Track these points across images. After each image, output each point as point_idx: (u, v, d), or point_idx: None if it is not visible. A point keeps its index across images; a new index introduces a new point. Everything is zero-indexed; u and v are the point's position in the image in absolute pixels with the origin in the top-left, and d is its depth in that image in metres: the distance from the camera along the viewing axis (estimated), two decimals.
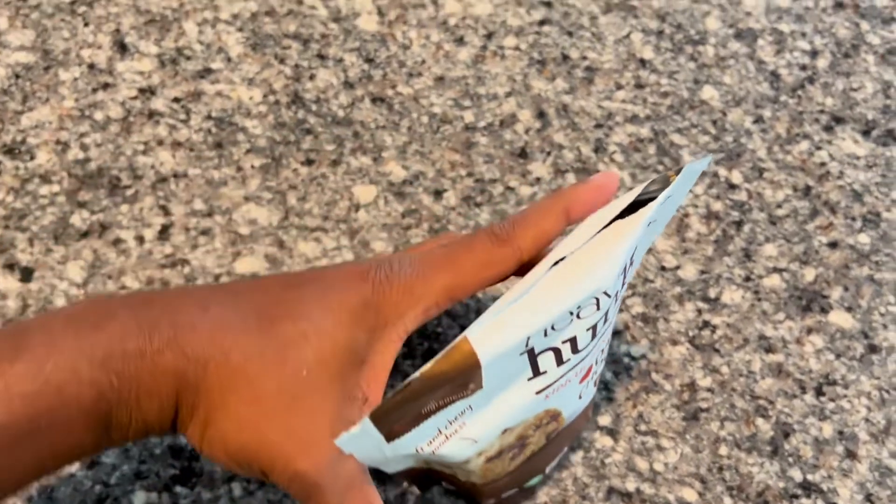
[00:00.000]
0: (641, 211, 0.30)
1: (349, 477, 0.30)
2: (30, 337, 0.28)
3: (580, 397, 0.34)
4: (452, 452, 0.30)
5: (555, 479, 0.40)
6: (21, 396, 0.27)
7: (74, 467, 0.39)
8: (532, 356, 0.29)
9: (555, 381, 0.31)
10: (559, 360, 0.30)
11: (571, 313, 0.29)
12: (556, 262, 0.29)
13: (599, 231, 0.30)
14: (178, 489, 0.38)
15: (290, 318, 0.30)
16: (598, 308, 0.29)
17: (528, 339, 0.28)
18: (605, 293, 0.29)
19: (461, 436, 0.30)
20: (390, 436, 0.27)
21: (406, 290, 0.31)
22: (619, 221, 0.30)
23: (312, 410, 0.30)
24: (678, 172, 0.30)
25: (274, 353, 0.30)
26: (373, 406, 0.30)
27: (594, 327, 0.30)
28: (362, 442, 0.26)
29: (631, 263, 0.31)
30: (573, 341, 0.30)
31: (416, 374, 0.26)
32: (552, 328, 0.28)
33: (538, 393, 0.31)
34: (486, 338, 0.27)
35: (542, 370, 0.30)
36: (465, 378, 0.27)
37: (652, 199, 0.30)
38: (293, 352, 0.30)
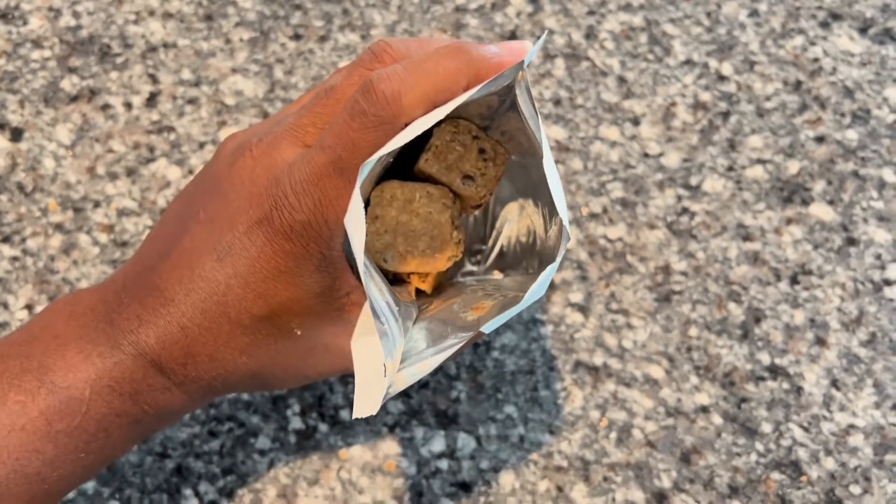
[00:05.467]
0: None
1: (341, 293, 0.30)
2: (53, 370, 0.28)
3: None
4: None
5: (522, 350, 0.41)
6: (65, 433, 0.28)
7: None
8: None
9: None
10: None
11: None
12: None
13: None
14: None
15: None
16: None
17: None
18: None
19: None
20: None
21: (317, 202, 0.27)
22: None
23: (291, 282, 0.29)
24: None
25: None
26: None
27: None
28: None
29: None
30: None
31: None
32: None
33: None
34: None
35: None
36: None
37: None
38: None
